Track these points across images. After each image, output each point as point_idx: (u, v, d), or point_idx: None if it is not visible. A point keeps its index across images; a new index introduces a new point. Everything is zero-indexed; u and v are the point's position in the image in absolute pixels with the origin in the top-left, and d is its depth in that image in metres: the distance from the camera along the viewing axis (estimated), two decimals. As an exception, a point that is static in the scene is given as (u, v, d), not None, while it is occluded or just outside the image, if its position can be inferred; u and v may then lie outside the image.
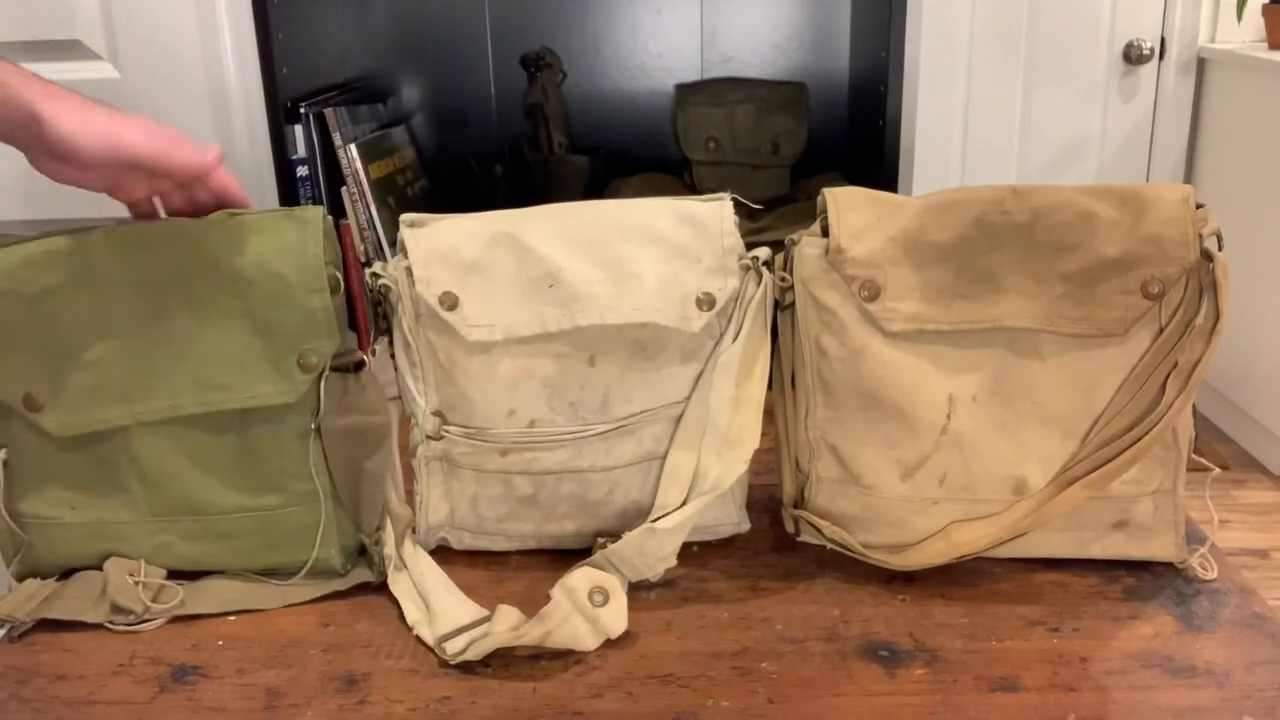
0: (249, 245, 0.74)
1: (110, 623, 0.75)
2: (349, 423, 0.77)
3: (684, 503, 0.76)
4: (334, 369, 0.76)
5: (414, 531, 0.82)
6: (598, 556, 0.75)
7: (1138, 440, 0.73)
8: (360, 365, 0.78)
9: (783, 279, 0.77)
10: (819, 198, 0.76)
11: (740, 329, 0.77)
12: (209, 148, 0.74)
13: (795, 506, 0.81)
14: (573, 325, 0.76)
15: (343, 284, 0.76)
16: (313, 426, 0.75)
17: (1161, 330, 0.73)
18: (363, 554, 0.80)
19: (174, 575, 0.78)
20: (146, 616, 0.75)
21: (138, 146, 0.71)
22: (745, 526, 0.83)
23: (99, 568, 0.78)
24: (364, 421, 0.78)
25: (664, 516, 0.76)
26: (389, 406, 0.80)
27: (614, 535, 0.77)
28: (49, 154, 0.70)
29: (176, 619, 0.76)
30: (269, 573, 0.78)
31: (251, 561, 0.78)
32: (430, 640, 0.72)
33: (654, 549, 0.75)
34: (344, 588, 0.78)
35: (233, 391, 0.74)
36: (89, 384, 0.74)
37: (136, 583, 0.76)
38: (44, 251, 0.73)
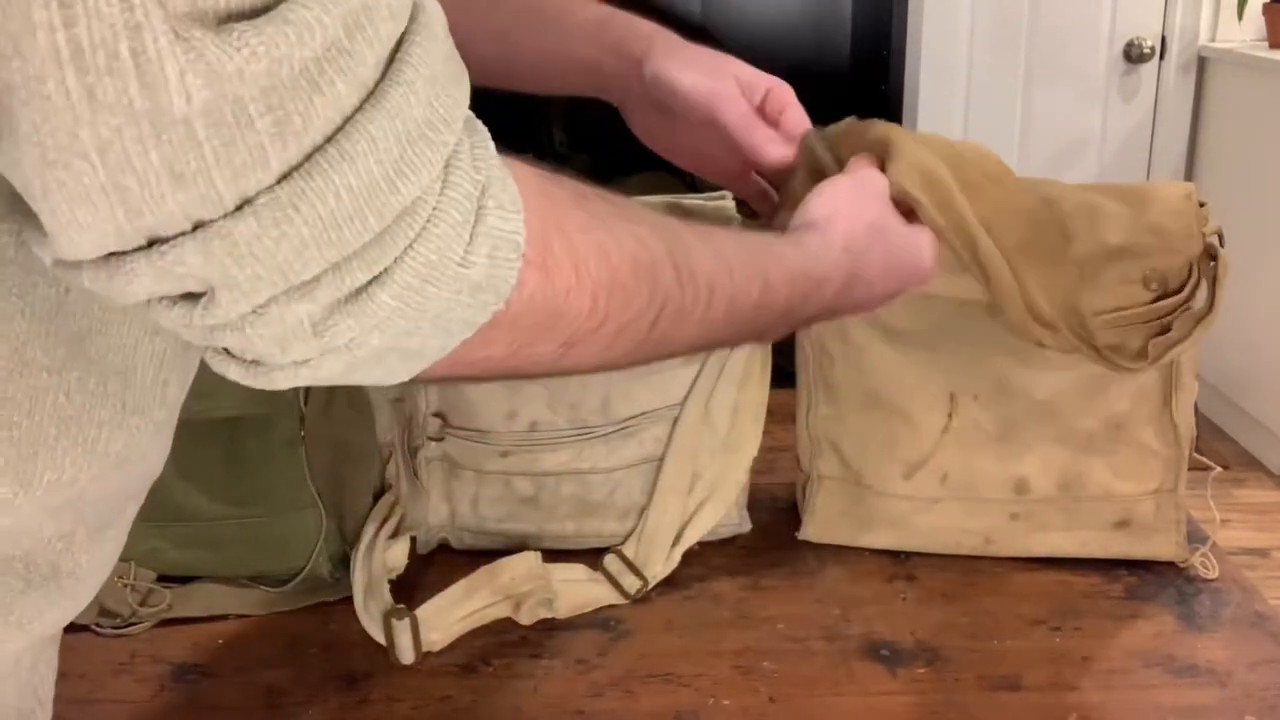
0: None
1: (97, 625, 0.74)
2: (333, 432, 0.76)
3: (687, 516, 0.78)
4: None
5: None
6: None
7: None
8: None
9: (784, 278, 0.77)
10: (820, 196, 0.76)
11: None
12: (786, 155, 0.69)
13: (797, 505, 0.81)
14: None
15: None
16: (301, 435, 0.75)
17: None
18: (347, 564, 0.79)
19: (163, 579, 0.78)
20: (133, 620, 0.75)
21: (727, 123, 0.68)
22: (746, 527, 0.83)
23: None
24: (348, 431, 0.77)
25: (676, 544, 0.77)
26: (373, 416, 0.80)
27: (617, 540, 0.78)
28: (649, 101, 0.69)
29: (173, 619, 0.75)
30: (258, 579, 0.78)
31: (240, 568, 0.78)
32: None
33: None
34: (332, 598, 0.76)
35: (216, 400, 0.73)
36: None
37: (125, 585, 0.75)
38: None
